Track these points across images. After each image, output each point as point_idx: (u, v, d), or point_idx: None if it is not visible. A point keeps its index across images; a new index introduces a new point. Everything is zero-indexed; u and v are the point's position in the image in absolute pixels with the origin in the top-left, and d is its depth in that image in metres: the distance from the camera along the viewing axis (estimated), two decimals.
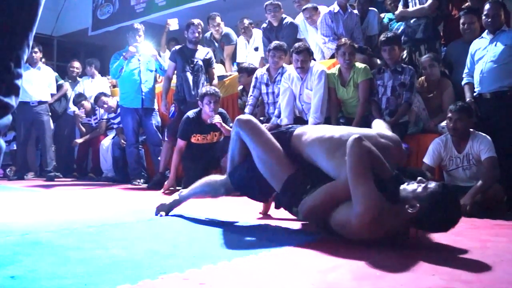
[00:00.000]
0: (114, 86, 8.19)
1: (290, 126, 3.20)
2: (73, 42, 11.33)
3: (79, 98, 7.76)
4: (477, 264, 2.10)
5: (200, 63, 6.02)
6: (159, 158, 6.19)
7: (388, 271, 1.94)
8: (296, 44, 5.22)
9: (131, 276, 1.84)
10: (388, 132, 2.84)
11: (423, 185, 2.34)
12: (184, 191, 3.44)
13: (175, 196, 3.46)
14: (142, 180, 6.48)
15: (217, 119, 5.26)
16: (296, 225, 3.00)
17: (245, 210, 3.71)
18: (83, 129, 7.83)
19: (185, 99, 5.96)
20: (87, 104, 7.72)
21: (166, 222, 3.30)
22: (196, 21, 6.19)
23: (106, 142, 7.33)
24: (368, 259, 2.13)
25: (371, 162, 2.37)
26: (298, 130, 2.89)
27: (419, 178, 2.38)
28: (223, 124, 5.31)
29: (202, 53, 6.15)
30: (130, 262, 2.06)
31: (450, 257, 2.23)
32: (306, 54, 5.08)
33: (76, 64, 8.67)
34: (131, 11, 9.52)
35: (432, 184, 2.34)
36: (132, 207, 4.14)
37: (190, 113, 5.46)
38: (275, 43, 5.52)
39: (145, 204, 4.35)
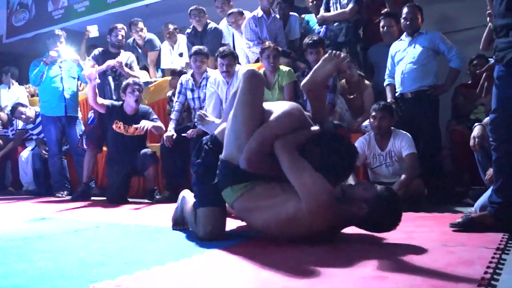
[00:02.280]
0: (32, 95, 7.89)
1: None
2: None
3: None
4: (405, 254, 2.17)
5: None
6: (83, 168, 5.98)
7: (320, 266, 1.96)
8: (221, 48, 5.22)
9: (60, 287, 1.78)
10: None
11: (369, 188, 2.42)
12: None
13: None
14: (65, 192, 6.25)
15: (145, 123, 5.20)
16: (228, 228, 2.99)
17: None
18: (0, 141, 7.45)
19: None
20: (3, 115, 7.38)
21: (94, 232, 3.21)
22: (119, 25, 6.14)
23: (25, 154, 7.01)
24: (300, 256, 2.16)
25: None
26: None
27: (362, 181, 2.49)
28: (152, 124, 5.27)
29: (124, 57, 6.05)
30: (58, 273, 1.99)
31: (380, 249, 2.30)
32: (231, 58, 5.09)
33: None
34: (48, 18, 9.17)
35: (378, 188, 2.42)
36: (57, 219, 3.98)
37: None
38: (195, 47, 5.49)
39: (70, 216, 4.22)
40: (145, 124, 5.18)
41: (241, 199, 2.55)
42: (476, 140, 3.38)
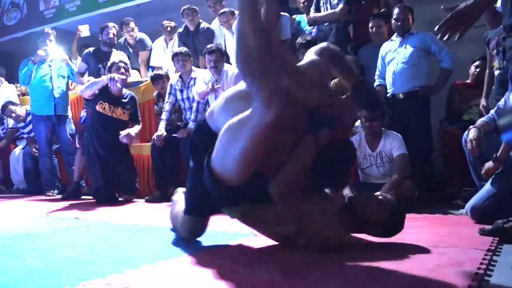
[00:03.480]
0: (23, 94, 7.85)
1: None
2: None
3: None
4: (396, 255, 2.17)
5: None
6: (73, 167, 5.96)
7: (311, 269, 1.97)
8: (208, 45, 5.23)
9: (51, 285, 1.77)
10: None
11: (381, 209, 2.33)
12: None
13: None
14: (56, 191, 6.21)
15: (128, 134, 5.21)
16: (218, 228, 2.98)
17: (164, 216, 3.65)
18: None
19: None
20: None
21: (85, 231, 3.20)
22: (110, 24, 6.16)
23: (16, 153, 6.99)
24: (292, 258, 2.16)
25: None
26: None
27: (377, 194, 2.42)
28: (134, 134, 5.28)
29: (117, 57, 6.03)
30: (48, 271, 1.98)
31: (370, 251, 2.30)
32: (219, 53, 5.10)
33: None
34: (40, 17, 9.13)
35: (390, 207, 2.36)
36: (47, 218, 3.98)
37: None
38: (175, 50, 5.55)
39: (61, 214, 4.20)
40: (127, 135, 5.18)
41: (241, 219, 2.36)
42: (474, 143, 3.36)
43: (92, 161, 5.28)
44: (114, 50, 6.21)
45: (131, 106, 5.40)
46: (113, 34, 6.14)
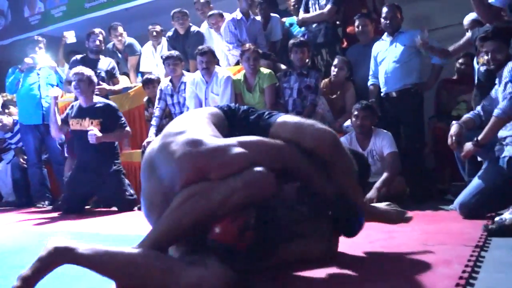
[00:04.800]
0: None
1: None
2: None
3: None
4: (385, 254, 2.19)
5: (103, 74, 5.86)
6: (63, 177, 5.89)
7: (299, 269, 1.96)
8: (200, 47, 5.26)
9: None
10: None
11: None
12: None
13: None
14: (46, 202, 6.11)
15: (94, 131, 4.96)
16: None
17: None
18: None
19: None
20: None
21: None
22: (97, 30, 6.06)
23: (3, 164, 6.88)
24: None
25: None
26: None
27: None
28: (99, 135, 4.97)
29: (105, 63, 6.00)
30: None
31: (359, 250, 2.30)
32: (210, 55, 5.13)
33: None
34: (25, 24, 9.08)
35: None
36: (36, 231, 3.93)
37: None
38: (166, 53, 5.55)
39: (50, 227, 4.16)
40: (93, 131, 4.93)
41: None
42: (454, 138, 3.42)
43: (74, 172, 5.24)
44: (102, 57, 6.15)
45: (104, 116, 5.12)
46: (100, 41, 6.03)
